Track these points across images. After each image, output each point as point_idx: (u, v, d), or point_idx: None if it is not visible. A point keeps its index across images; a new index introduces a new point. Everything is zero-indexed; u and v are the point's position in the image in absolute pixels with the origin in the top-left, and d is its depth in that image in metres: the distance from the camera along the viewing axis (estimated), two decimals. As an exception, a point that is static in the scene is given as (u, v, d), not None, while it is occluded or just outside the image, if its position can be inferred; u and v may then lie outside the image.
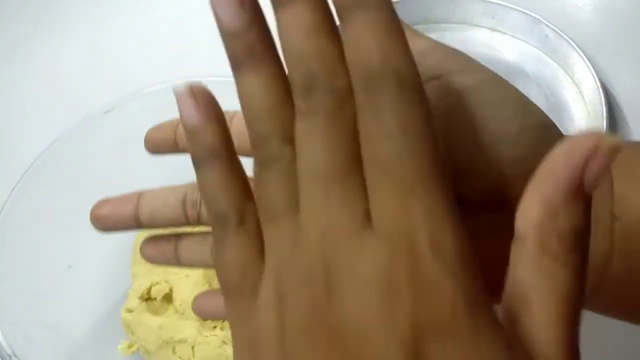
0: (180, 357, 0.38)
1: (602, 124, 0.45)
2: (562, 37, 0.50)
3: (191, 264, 0.29)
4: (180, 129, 0.28)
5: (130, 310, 0.40)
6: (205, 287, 0.39)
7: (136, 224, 0.28)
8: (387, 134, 0.17)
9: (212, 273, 0.40)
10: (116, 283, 0.42)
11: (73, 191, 0.43)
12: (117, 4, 0.66)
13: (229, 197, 0.20)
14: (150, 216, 0.28)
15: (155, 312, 0.40)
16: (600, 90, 0.46)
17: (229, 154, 0.21)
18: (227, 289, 0.20)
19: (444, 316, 0.16)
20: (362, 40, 0.17)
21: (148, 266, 0.42)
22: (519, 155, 0.22)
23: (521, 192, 0.18)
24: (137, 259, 0.43)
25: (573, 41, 0.50)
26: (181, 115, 0.21)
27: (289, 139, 0.19)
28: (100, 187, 0.44)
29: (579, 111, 0.49)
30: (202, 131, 0.21)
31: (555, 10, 0.55)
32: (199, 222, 0.28)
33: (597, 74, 0.47)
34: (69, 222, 0.42)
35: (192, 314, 0.39)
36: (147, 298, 0.40)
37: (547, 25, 0.51)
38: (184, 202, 0.27)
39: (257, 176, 0.20)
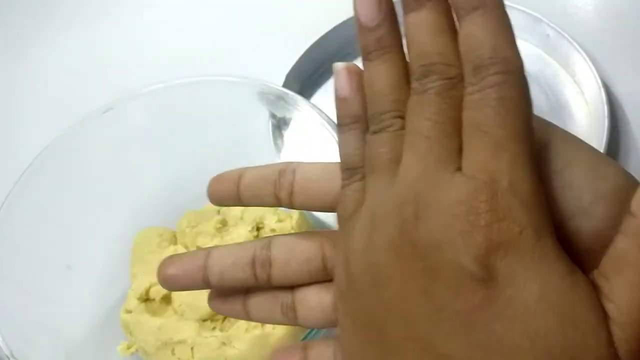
0: (179, 358, 0.38)
1: (604, 123, 0.45)
2: (563, 36, 0.50)
3: (260, 320, 0.29)
4: (243, 183, 0.28)
5: (129, 311, 0.40)
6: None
7: (205, 284, 0.28)
8: (487, 102, 0.20)
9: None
10: (115, 283, 0.42)
11: (72, 191, 0.43)
12: (116, 4, 0.66)
13: (360, 155, 0.24)
14: (220, 277, 0.28)
15: (154, 313, 0.40)
16: (602, 89, 0.46)
17: (365, 123, 0.24)
18: (340, 217, 0.25)
19: (513, 237, 0.19)
20: (476, 36, 0.21)
21: (147, 266, 0.42)
22: (595, 228, 0.21)
23: (603, 267, 0.20)
24: (136, 259, 0.43)
25: (574, 40, 0.49)
26: (336, 86, 0.25)
27: (401, 115, 0.23)
28: (100, 187, 0.44)
29: (580, 111, 0.49)
30: (351, 100, 0.25)
31: (556, 10, 0.55)
32: (268, 282, 0.27)
33: (598, 74, 0.47)
34: (68, 223, 0.42)
35: (191, 315, 0.39)
36: (146, 299, 0.40)
37: (548, 25, 0.51)
38: (253, 262, 0.27)
39: (369, 140, 0.24)
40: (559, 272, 0.19)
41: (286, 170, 0.27)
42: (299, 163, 0.27)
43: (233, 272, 0.27)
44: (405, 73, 0.23)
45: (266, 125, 0.45)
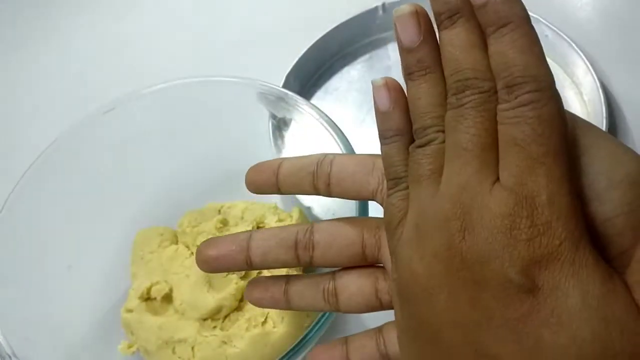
0: (180, 357, 0.38)
1: (602, 123, 0.45)
2: (562, 37, 0.50)
3: (301, 308, 0.30)
4: (282, 173, 0.29)
5: (130, 310, 0.40)
6: (205, 287, 0.39)
7: (247, 265, 0.29)
8: (523, 120, 0.21)
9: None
10: (116, 283, 0.42)
11: (73, 191, 0.43)
12: (117, 5, 0.66)
13: (404, 165, 0.26)
14: (262, 258, 0.29)
15: (155, 312, 0.40)
16: (600, 90, 0.47)
17: (407, 134, 0.26)
18: (388, 224, 0.26)
19: (553, 249, 0.21)
20: (505, 54, 0.22)
21: (147, 266, 0.42)
22: (610, 213, 0.22)
23: (622, 251, 0.21)
24: (136, 259, 0.43)
25: (573, 41, 0.50)
26: (375, 101, 0.26)
27: (443, 130, 0.24)
28: (101, 186, 0.44)
29: (579, 111, 0.49)
30: (391, 114, 0.26)
31: (555, 10, 0.55)
32: (310, 264, 0.29)
33: (596, 74, 0.47)
34: (70, 222, 0.42)
35: (191, 314, 0.39)
36: (147, 298, 0.40)
37: (547, 25, 0.51)
38: (296, 245, 0.29)
39: (413, 153, 0.25)
40: (599, 278, 0.21)
41: (323, 162, 0.29)
42: (335, 155, 0.29)
43: (276, 254, 0.29)
44: (444, 88, 0.24)
45: (266, 125, 0.45)
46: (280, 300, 0.30)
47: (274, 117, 0.44)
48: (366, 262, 0.28)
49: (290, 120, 0.43)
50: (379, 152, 0.27)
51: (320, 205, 0.43)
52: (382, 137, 0.26)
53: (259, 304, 0.30)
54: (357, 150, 0.38)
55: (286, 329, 0.38)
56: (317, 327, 0.34)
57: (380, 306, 0.28)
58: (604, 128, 0.45)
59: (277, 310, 0.38)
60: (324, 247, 0.28)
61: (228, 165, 0.44)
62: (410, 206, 0.25)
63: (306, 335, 0.34)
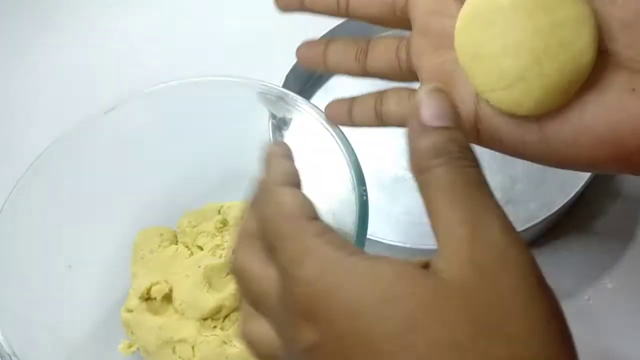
0: (180, 357, 0.38)
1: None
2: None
3: (334, 69, 0.35)
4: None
5: (130, 310, 0.40)
6: (205, 287, 0.39)
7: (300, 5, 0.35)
8: None
9: (211, 273, 0.40)
10: (116, 283, 0.42)
11: (73, 191, 0.43)
12: (118, 5, 0.66)
13: None
14: None
15: (155, 312, 0.40)
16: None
17: None
18: None
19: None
20: None
21: (147, 266, 0.42)
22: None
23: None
24: (137, 259, 0.43)
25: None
26: None
27: None
28: (101, 187, 0.44)
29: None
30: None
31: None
32: (347, 10, 0.33)
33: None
34: (70, 222, 0.42)
35: (191, 314, 0.39)
36: (147, 298, 0.40)
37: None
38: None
39: None
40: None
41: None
42: None
43: None
44: None
45: (266, 125, 0.45)
46: (319, 59, 0.34)
47: (274, 117, 0.44)
48: (397, 24, 0.32)
49: (290, 120, 0.43)
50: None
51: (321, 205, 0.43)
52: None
53: (303, 59, 0.35)
54: (358, 151, 0.38)
55: (286, 329, 0.38)
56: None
57: (399, 68, 0.32)
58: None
59: (277, 310, 0.38)
60: None
61: (228, 165, 0.44)
62: None
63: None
